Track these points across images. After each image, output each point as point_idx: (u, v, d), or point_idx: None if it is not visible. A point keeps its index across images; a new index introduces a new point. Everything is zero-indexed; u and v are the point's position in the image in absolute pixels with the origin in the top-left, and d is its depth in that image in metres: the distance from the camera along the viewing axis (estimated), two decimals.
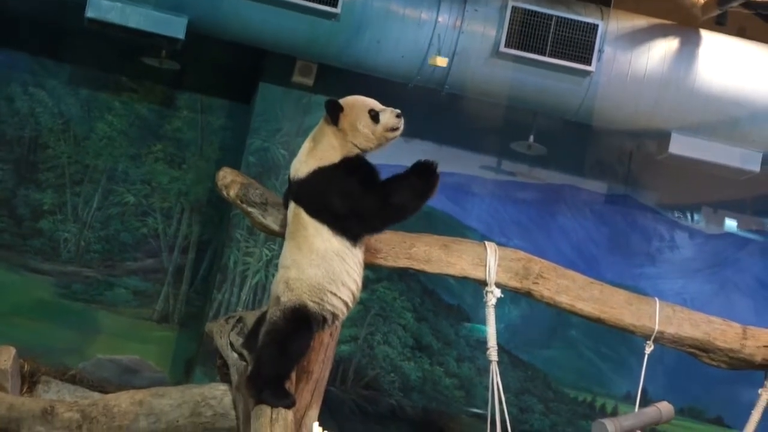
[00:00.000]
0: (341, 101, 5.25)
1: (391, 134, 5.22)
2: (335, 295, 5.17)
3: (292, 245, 5.21)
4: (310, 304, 5.13)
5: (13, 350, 7.90)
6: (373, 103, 5.26)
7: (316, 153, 5.20)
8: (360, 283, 5.27)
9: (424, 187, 5.21)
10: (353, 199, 5.12)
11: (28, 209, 9.52)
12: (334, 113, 5.19)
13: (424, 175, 5.21)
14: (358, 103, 5.26)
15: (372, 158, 5.29)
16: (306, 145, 5.29)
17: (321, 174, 5.16)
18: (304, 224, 5.16)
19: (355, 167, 5.18)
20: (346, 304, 5.23)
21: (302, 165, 5.23)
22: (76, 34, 9.26)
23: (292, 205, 5.24)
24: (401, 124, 5.21)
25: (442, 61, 8.70)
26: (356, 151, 5.20)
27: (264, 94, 9.42)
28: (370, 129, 5.19)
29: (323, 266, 5.13)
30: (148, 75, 9.65)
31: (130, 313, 9.57)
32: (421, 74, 8.96)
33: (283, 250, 5.30)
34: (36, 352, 8.88)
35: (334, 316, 5.23)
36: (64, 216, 9.55)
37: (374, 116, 5.20)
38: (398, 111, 5.22)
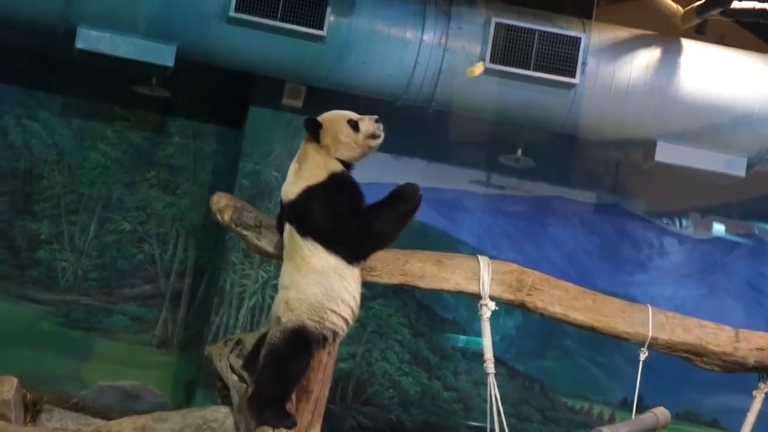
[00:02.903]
0: (319, 118, 5.28)
1: (372, 141, 5.26)
2: (335, 312, 5.19)
3: (290, 266, 5.24)
4: (311, 324, 5.15)
5: (15, 380, 7.91)
6: (350, 114, 5.30)
7: (303, 173, 5.23)
8: (359, 300, 5.29)
9: (406, 212, 5.26)
10: (338, 225, 5.15)
11: (26, 240, 9.54)
12: (314, 130, 5.24)
13: (405, 199, 5.26)
14: (336, 116, 5.29)
15: (364, 177, 5.31)
16: (292, 167, 5.32)
17: (309, 193, 5.18)
18: (299, 245, 5.19)
19: (341, 187, 5.20)
20: (346, 321, 5.25)
21: (292, 186, 5.26)
22: (66, 65, 9.29)
23: (287, 226, 5.28)
24: (381, 129, 5.24)
25: (479, 68, 8.52)
26: (341, 167, 5.24)
27: (254, 117, 9.46)
28: (351, 138, 5.23)
29: (322, 284, 5.15)
30: (139, 103, 9.67)
31: (129, 339, 9.58)
32: (408, 92, 8.99)
33: (282, 271, 5.32)
34: (37, 381, 8.86)
35: (335, 334, 5.24)
36: (61, 245, 9.57)
37: (354, 125, 5.24)
38: (376, 117, 5.26)
